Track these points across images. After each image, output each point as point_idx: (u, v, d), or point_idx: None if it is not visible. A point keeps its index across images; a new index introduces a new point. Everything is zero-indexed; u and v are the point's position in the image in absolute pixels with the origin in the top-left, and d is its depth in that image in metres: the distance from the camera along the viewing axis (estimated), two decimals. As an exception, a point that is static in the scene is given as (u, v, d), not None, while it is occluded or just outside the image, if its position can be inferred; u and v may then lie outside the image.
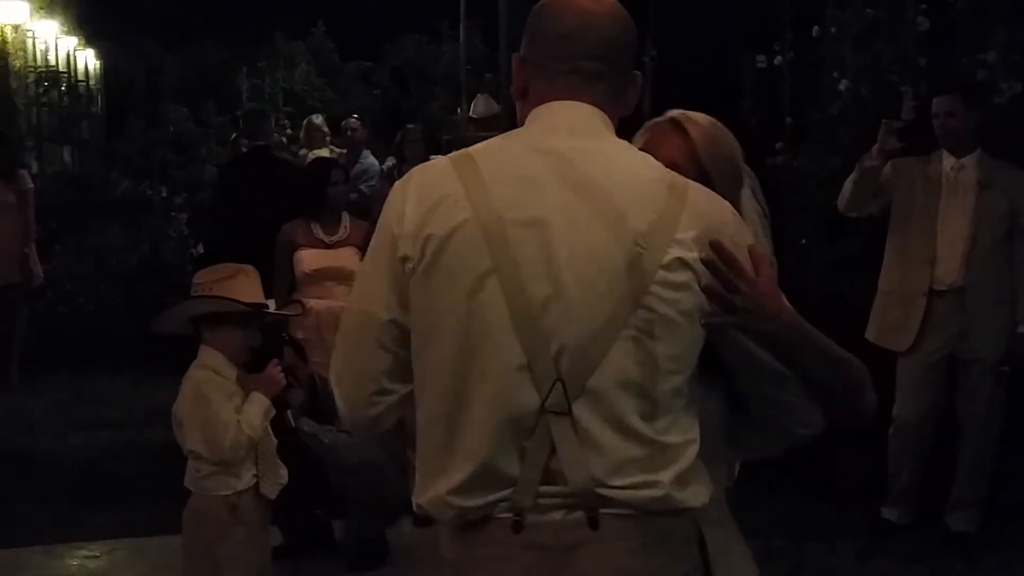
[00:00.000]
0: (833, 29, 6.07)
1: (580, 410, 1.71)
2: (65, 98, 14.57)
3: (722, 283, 1.75)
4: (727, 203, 1.89)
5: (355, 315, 1.89)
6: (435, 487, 1.77)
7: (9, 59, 12.38)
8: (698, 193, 1.83)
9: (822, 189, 5.66)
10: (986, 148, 4.86)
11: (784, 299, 1.85)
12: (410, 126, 8.73)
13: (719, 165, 2.05)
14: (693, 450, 1.78)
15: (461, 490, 1.74)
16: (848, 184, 4.88)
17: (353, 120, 9.60)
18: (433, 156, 4.68)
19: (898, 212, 4.90)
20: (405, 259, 1.77)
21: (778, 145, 6.99)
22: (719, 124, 2.15)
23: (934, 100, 4.88)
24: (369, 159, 9.15)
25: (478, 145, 1.89)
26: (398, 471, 4.46)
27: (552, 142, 1.81)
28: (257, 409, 3.40)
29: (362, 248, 3.48)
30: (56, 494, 5.57)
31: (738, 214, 1.92)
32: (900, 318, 4.88)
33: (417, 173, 1.87)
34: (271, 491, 3.49)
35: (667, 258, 1.73)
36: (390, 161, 8.47)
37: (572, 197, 1.75)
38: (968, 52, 5.64)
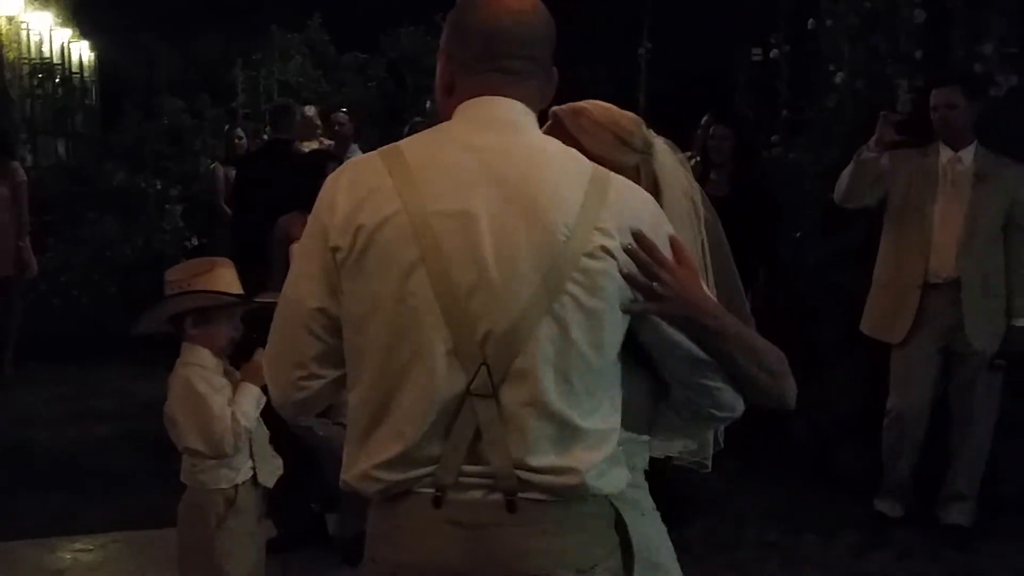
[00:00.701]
0: (829, 22, 6.06)
1: (504, 393, 1.77)
2: (59, 90, 14.55)
3: (643, 271, 1.80)
4: (648, 194, 1.96)
5: (286, 302, 1.95)
6: (362, 463, 1.83)
7: (3, 51, 12.35)
8: (620, 184, 1.89)
9: (818, 182, 5.65)
10: (982, 141, 4.86)
11: (704, 287, 1.92)
12: (418, 119, 8.71)
13: (606, 155, 2.07)
14: (613, 438, 1.85)
15: (387, 465, 1.80)
16: (844, 176, 4.87)
17: (341, 114, 9.55)
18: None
19: (894, 204, 4.89)
20: (336, 249, 1.83)
21: (774, 138, 7.00)
22: (607, 108, 2.21)
23: (933, 92, 4.86)
24: (357, 154, 9.09)
25: (407, 139, 1.96)
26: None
27: (478, 137, 1.87)
28: (249, 399, 3.37)
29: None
30: (50, 487, 5.55)
31: (659, 205, 1.97)
32: (894, 310, 4.87)
33: (349, 167, 1.95)
34: (269, 480, 3.47)
35: (590, 246, 1.79)
36: None
37: (497, 190, 1.80)
38: (964, 44, 5.63)
